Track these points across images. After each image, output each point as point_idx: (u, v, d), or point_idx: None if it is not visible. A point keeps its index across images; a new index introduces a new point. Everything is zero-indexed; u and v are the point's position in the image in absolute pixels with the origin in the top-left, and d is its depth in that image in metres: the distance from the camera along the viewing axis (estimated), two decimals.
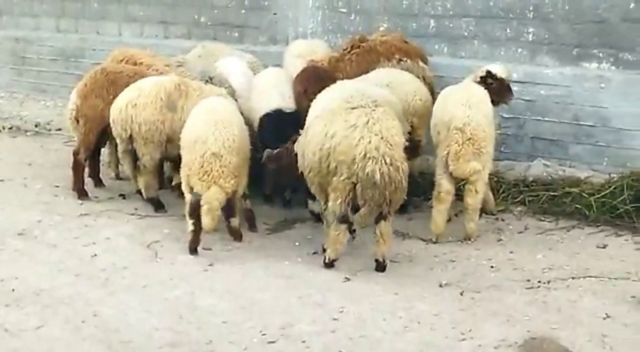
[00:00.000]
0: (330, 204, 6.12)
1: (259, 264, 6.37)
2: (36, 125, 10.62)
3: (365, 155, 5.92)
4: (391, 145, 5.99)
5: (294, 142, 6.56)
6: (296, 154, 6.48)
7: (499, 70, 7.22)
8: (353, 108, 6.14)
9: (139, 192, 7.75)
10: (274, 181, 6.83)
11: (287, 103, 7.49)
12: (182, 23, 11.14)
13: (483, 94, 6.84)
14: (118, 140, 7.48)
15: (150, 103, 7.26)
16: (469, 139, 6.53)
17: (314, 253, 6.60)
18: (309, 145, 6.23)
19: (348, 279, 6.06)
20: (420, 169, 7.73)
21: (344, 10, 9.61)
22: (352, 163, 5.94)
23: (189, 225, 6.53)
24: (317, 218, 6.98)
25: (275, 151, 6.69)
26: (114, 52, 8.96)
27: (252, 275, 6.17)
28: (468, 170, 6.55)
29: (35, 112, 11.20)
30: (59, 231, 7.14)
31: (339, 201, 6.05)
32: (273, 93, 7.58)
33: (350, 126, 6.01)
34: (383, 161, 5.91)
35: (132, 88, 7.43)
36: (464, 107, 6.61)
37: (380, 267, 6.24)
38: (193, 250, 6.54)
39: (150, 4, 11.40)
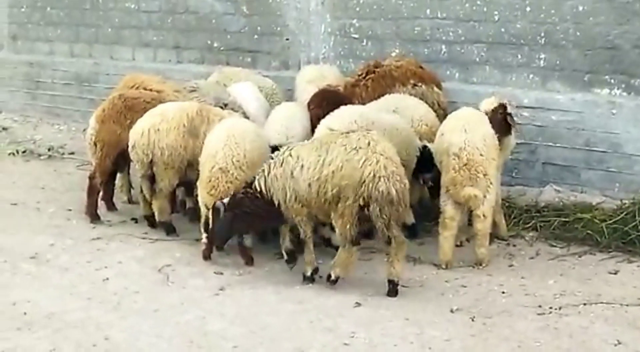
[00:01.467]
0: (339, 230, 6.14)
1: (270, 289, 6.38)
2: (49, 149, 10.67)
3: (374, 175, 5.98)
4: (396, 164, 6.12)
5: (250, 186, 6.45)
6: (257, 197, 6.40)
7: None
8: (347, 133, 6.24)
9: (147, 217, 7.79)
10: (231, 229, 6.52)
11: (291, 139, 7.39)
12: (195, 48, 11.20)
13: (480, 118, 6.83)
14: (138, 165, 7.50)
15: (173, 129, 7.30)
16: (465, 164, 6.53)
17: (321, 277, 6.58)
18: (298, 178, 6.20)
19: (359, 304, 6.06)
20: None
21: (355, 36, 9.65)
22: (359, 185, 5.99)
23: (203, 238, 6.85)
24: (328, 243, 6.97)
25: (234, 198, 6.45)
26: (125, 78, 9.02)
27: (263, 300, 6.18)
28: (464, 196, 6.56)
29: (49, 136, 11.26)
30: (71, 254, 7.16)
31: (348, 225, 6.08)
32: (278, 128, 7.57)
33: (351, 149, 6.06)
34: (394, 179, 6.03)
35: (154, 113, 7.46)
36: (460, 132, 6.62)
37: (394, 290, 6.23)
38: (206, 256, 6.81)
39: (164, 29, 11.47)
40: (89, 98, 11.10)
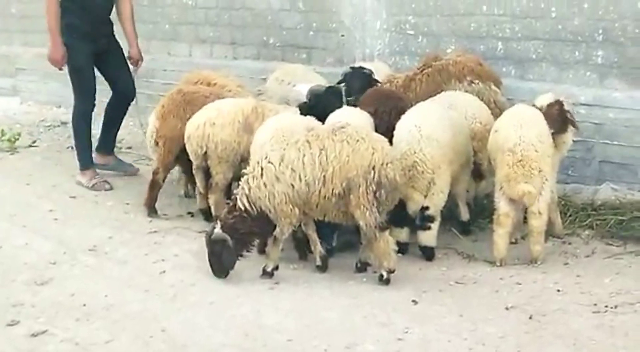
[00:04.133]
0: (362, 221, 6.17)
1: (324, 284, 6.42)
2: None
3: (383, 162, 6.14)
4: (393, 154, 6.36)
5: (234, 209, 6.37)
6: (244, 216, 6.35)
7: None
8: (337, 129, 6.30)
9: (203, 211, 7.88)
10: (236, 257, 6.45)
11: None
12: (250, 44, 11.28)
13: (535, 114, 6.78)
14: (192, 156, 7.61)
15: (229, 124, 7.42)
16: (520, 160, 6.50)
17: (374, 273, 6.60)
18: (287, 181, 6.21)
19: (413, 300, 6.07)
20: (486, 191, 7.71)
21: (411, 32, 9.64)
22: (369, 172, 6.11)
23: None
24: (400, 249, 6.80)
25: (226, 226, 6.32)
26: (187, 74, 9.17)
27: (317, 294, 6.22)
28: (518, 192, 6.53)
29: None
30: (129, 247, 7.28)
31: (368, 213, 6.13)
32: None
33: (355, 142, 6.16)
34: (396, 166, 6.30)
35: (211, 107, 7.60)
36: (515, 128, 6.59)
37: (387, 280, 6.37)
38: (262, 250, 6.80)
39: (220, 25, 11.57)
40: (147, 94, 11.21)
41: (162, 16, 12.24)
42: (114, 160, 9.64)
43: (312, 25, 10.59)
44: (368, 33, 10.04)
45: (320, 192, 6.18)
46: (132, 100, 9.41)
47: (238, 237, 6.35)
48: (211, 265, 6.45)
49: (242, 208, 6.31)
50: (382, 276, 6.38)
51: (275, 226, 6.39)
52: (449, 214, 7.39)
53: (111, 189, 8.99)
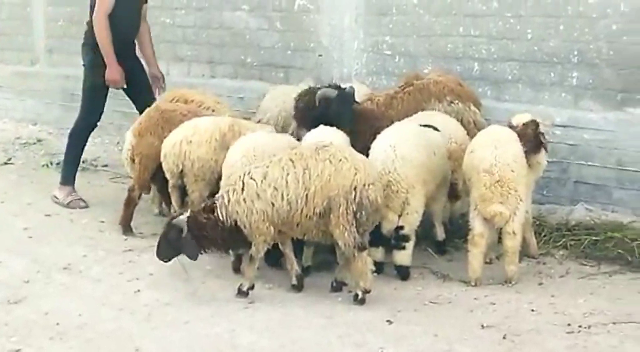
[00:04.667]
0: (341, 240, 6.16)
1: (299, 303, 6.41)
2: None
3: (364, 183, 6.15)
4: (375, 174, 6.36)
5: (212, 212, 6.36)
6: (218, 225, 6.32)
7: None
8: (319, 148, 6.29)
9: None
10: (198, 248, 6.42)
11: None
12: (228, 63, 11.28)
13: (510, 135, 6.82)
14: (169, 175, 7.60)
15: (205, 141, 7.41)
16: (497, 181, 6.53)
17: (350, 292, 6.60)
18: (268, 200, 6.18)
19: (388, 320, 6.07)
20: (461, 211, 7.74)
21: (388, 52, 9.69)
22: (350, 192, 6.10)
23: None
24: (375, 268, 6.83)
25: (195, 220, 6.32)
26: (166, 93, 9.15)
27: (292, 313, 6.21)
28: (491, 213, 6.55)
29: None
30: (103, 265, 7.25)
31: (347, 233, 6.13)
32: None
33: (337, 161, 6.16)
34: (378, 188, 6.29)
35: (188, 125, 7.59)
36: (490, 149, 6.63)
37: (362, 300, 6.35)
38: (236, 269, 6.87)
39: (198, 43, 11.57)
40: (124, 111, 11.17)
41: None
42: None
43: (290, 45, 10.62)
44: (346, 53, 10.08)
45: (302, 211, 6.17)
46: None
47: (199, 237, 6.31)
48: (158, 245, 6.43)
49: (220, 218, 6.31)
50: (357, 295, 6.37)
51: (240, 245, 6.42)
52: (424, 233, 7.40)
53: (86, 207, 8.95)
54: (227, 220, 6.29)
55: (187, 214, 6.36)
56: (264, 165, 6.32)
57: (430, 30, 9.29)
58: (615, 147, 8.02)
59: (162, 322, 6.07)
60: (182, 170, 7.49)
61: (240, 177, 6.33)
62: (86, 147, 9.40)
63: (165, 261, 6.49)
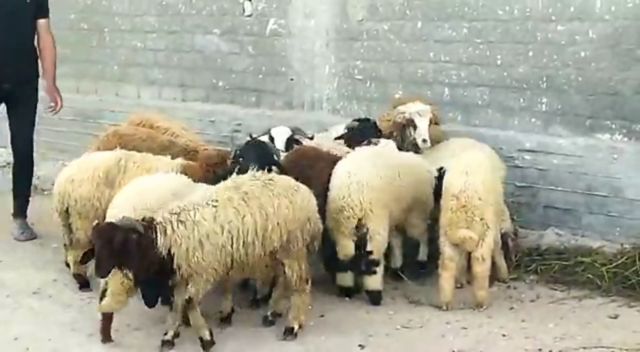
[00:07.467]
0: (297, 274, 6.02)
1: (271, 329, 6.39)
2: (53, 185, 10.67)
3: (314, 211, 6.13)
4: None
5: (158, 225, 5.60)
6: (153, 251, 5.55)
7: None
8: (267, 181, 5.98)
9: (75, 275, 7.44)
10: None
11: None
12: (200, 86, 11.28)
13: (481, 162, 6.89)
14: (56, 214, 7.32)
15: (87, 179, 7.10)
16: (463, 206, 6.58)
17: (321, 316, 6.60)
18: (218, 242, 5.64)
19: (360, 345, 6.07)
20: (432, 236, 7.76)
21: (359, 77, 9.73)
22: (304, 224, 6.00)
23: None
24: (346, 293, 6.94)
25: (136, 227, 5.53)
26: (132, 115, 9.10)
27: (263, 340, 6.20)
28: (459, 237, 6.59)
29: (53, 171, 11.19)
30: (73, 290, 7.21)
31: (304, 266, 6.06)
32: None
33: (290, 193, 5.96)
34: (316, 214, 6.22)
35: (73, 163, 7.37)
36: (461, 174, 6.68)
37: (296, 334, 6.20)
38: None
39: (169, 67, 11.56)
40: (94, 134, 11.14)
41: (111, 57, 12.19)
42: None
43: (262, 69, 10.63)
44: (317, 77, 10.11)
45: (256, 251, 5.79)
46: (26, 162, 9.15)
47: (122, 253, 5.47)
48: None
49: (157, 242, 5.57)
50: (292, 329, 6.18)
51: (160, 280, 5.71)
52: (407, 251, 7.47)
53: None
54: (163, 249, 5.56)
55: (139, 222, 5.57)
56: (200, 205, 5.69)
57: (401, 56, 9.35)
58: (584, 172, 8.08)
59: (132, 347, 6.04)
60: (67, 209, 7.19)
61: (183, 214, 5.64)
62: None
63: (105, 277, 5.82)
